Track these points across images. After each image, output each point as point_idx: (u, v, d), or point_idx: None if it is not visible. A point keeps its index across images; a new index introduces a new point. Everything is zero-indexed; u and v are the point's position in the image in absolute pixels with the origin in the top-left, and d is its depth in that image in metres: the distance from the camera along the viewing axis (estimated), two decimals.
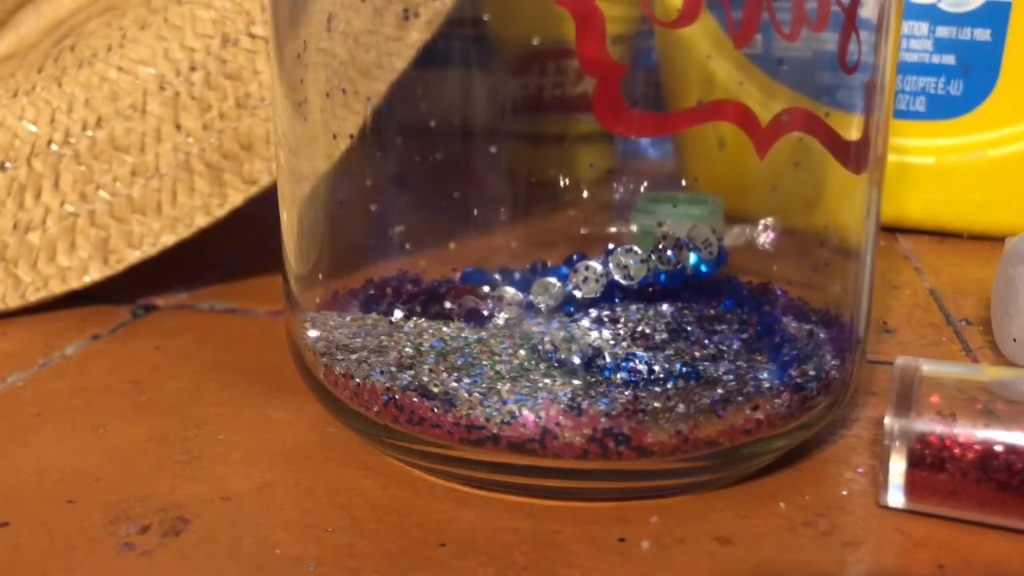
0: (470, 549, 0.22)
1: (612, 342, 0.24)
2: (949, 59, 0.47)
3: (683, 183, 0.29)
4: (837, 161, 0.25)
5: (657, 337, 0.25)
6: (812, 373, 0.24)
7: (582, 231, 0.30)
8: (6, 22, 0.46)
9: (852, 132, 0.25)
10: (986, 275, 0.36)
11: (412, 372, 0.24)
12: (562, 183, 0.28)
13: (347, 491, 0.25)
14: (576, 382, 0.23)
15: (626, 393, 0.23)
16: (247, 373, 0.32)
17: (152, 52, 0.37)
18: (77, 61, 0.38)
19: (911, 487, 0.23)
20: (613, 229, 0.30)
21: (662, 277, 0.27)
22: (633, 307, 0.27)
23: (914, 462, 0.23)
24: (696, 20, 0.22)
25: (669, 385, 0.23)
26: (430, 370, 0.24)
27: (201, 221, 0.36)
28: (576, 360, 0.23)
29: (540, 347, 0.24)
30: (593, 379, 0.23)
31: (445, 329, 0.26)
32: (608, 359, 0.24)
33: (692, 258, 0.27)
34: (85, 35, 0.40)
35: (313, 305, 0.27)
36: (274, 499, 0.24)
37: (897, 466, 0.23)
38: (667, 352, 0.24)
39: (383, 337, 0.26)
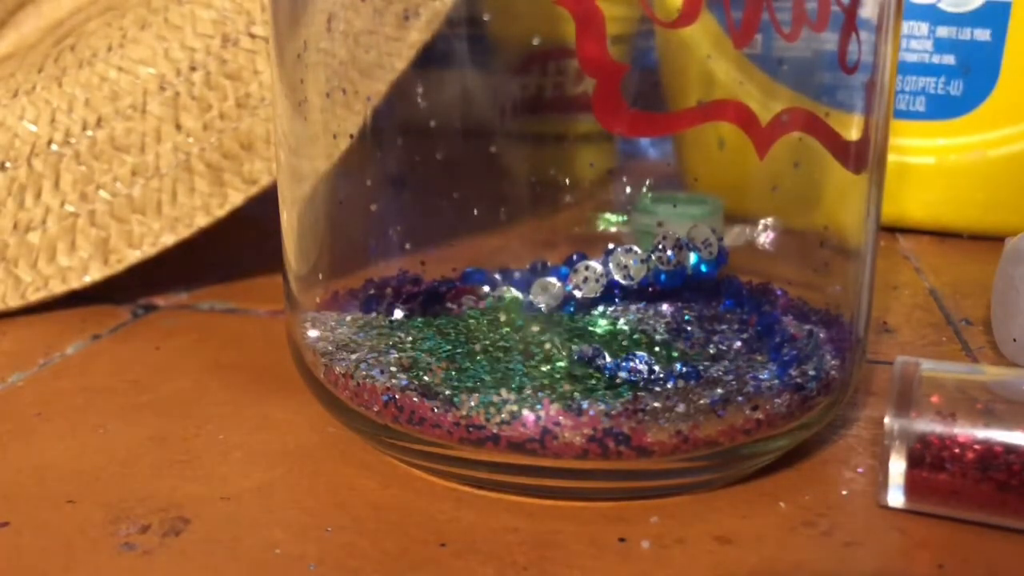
0: (470, 549, 0.22)
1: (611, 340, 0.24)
2: (949, 59, 0.47)
3: (683, 183, 0.29)
4: (837, 161, 0.25)
5: (657, 337, 0.25)
6: (812, 373, 0.24)
7: (582, 231, 0.30)
8: (6, 22, 0.46)
9: (852, 132, 0.25)
10: (986, 275, 0.36)
11: (412, 372, 0.24)
12: (562, 183, 0.28)
13: (347, 491, 0.25)
14: (577, 378, 0.23)
15: (626, 393, 0.23)
16: (247, 373, 0.32)
17: (152, 52, 0.37)
18: (77, 61, 0.38)
19: (911, 487, 0.23)
20: (613, 229, 0.30)
21: (662, 277, 0.27)
22: (633, 307, 0.27)
23: (914, 462, 0.23)
24: (696, 20, 0.22)
25: (669, 385, 0.23)
26: (430, 370, 0.24)
27: (201, 221, 0.36)
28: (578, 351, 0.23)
29: (539, 348, 0.24)
30: (594, 380, 0.23)
31: (445, 328, 0.26)
32: (608, 359, 0.24)
33: (692, 258, 0.27)
34: (85, 35, 0.40)
35: (313, 305, 0.27)
36: (274, 499, 0.24)
37: (897, 466, 0.23)
38: (667, 352, 0.24)
39: (383, 337, 0.26)
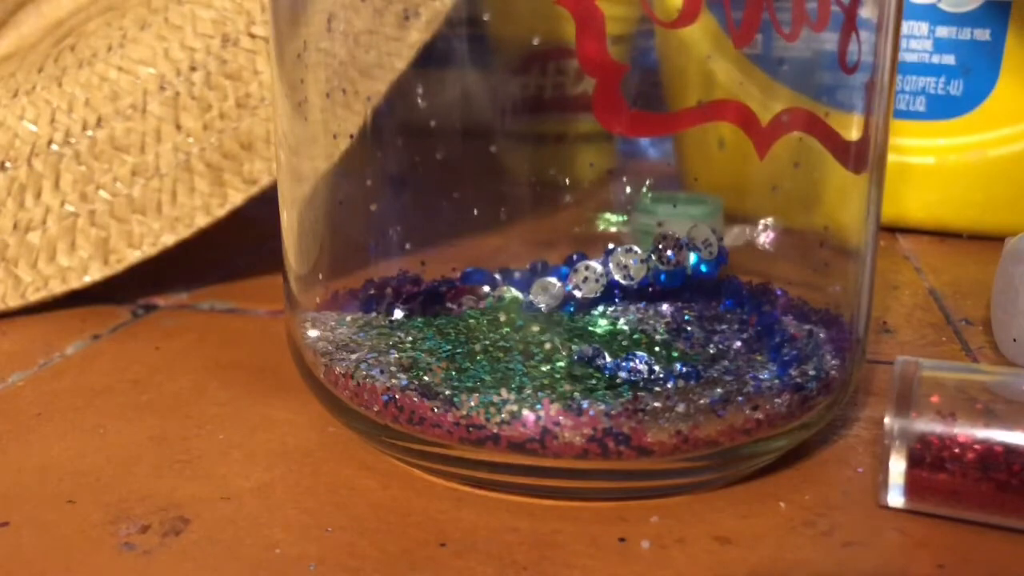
0: (470, 549, 0.22)
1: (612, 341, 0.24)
2: (949, 59, 0.47)
3: (683, 183, 0.29)
4: (837, 161, 0.25)
5: (657, 337, 0.25)
6: (812, 373, 0.24)
7: (582, 231, 0.30)
8: (6, 22, 0.46)
9: (852, 132, 0.25)
10: (986, 275, 0.36)
11: (412, 372, 0.24)
12: (562, 183, 0.28)
13: (347, 491, 0.25)
14: (577, 378, 0.23)
15: (626, 393, 0.23)
16: (247, 373, 0.32)
17: (152, 52, 0.37)
18: (77, 61, 0.38)
19: (911, 487, 0.23)
20: (613, 229, 0.30)
21: (662, 277, 0.27)
22: (633, 307, 0.27)
23: (914, 462, 0.23)
24: (696, 20, 0.22)
25: (669, 385, 0.23)
26: (430, 370, 0.24)
27: (201, 221, 0.36)
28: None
29: (539, 348, 0.24)
30: (594, 380, 0.23)
31: (445, 328, 0.26)
32: (608, 358, 0.24)
33: (692, 258, 0.27)
34: (85, 35, 0.40)
35: (313, 305, 0.27)
36: (274, 499, 0.24)
37: (897, 466, 0.23)
38: (667, 352, 0.24)
39: (383, 337, 0.26)
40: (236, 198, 0.36)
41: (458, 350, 0.25)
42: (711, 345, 0.25)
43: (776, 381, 0.24)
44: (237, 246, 0.44)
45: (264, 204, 0.35)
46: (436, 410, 0.23)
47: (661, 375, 0.23)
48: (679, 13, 0.22)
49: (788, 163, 0.25)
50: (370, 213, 0.27)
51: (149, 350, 0.34)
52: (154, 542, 0.22)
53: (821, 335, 0.26)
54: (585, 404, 0.22)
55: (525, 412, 0.22)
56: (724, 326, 0.26)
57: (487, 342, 0.25)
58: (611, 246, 0.28)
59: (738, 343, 0.25)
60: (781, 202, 0.26)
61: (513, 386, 0.23)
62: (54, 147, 0.37)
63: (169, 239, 0.36)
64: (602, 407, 0.22)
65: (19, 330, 0.36)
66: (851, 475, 0.25)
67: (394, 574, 0.21)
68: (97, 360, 0.33)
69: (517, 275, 0.29)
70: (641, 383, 0.23)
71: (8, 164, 0.38)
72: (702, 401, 0.23)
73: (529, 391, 0.23)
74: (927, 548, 0.22)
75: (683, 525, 0.23)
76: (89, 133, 0.37)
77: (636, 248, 0.26)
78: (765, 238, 0.26)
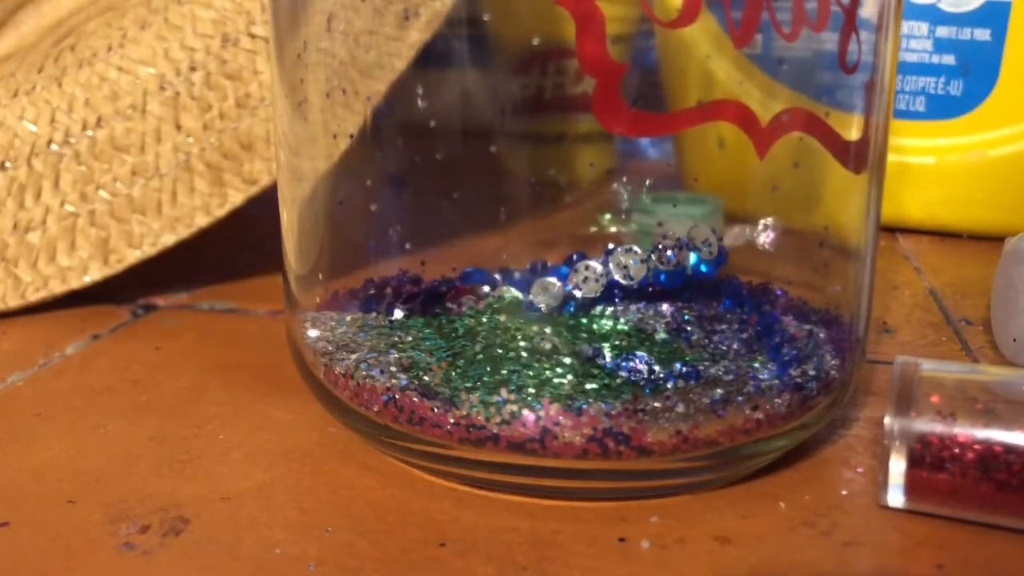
0: (470, 549, 0.22)
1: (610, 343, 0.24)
2: (949, 59, 0.47)
3: (683, 183, 0.29)
4: (837, 161, 0.25)
5: (657, 337, 0.25)
6: (812, 373, 0.24)
7: (582, 231, 0.30)
8: (6, 22, 0.46)
9: (852, 132, 0.25)
10: (986, 275, 0.36)
11: (412, 372, 0.24)
12: (562, 183, 0.28)
13: (347, 491, 0.25)
14: (578, 378, 0.23)
15: (626, 393, 0.23)
16: (247, 373, 0.32)
17: (152, 52, 0.37)
18: (77, 61, 0.38)
19: (911, 487, 0.23)
20: (613, 229, 0.30)
21: (662, 277, 0.27)
22: (633, 307, 0.27)
23: (914, 462, 0.23)
24: (696, 20, 0.22)
25: (669, 385, 0.23)
26: (430, 370, 0.24)
27: (201, 221, 0.36)
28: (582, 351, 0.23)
29: (539, 348, 0.24)
30: (594, 379, 0.23)
31: (445, 328, 0.26)
32: (608, 358, 0.24)
33: (692, 258, 0.27)
34: (85, 35, 0.40)
35: (313, 305, 0.27)
36: (274, 499, 0.24)
37: (897, 466, 0.23)
38: (667, 352, 0.24)
39: (383, 337, 0.26)
40: (236, 198, 0.36)
41: (458, 350, 0.25)
42: (711, 345, 0.25)
43: (776, 381, 0.24)
44: (237, 246, 0.44)
45: (264, 204, 0.35)
46: (436, 410, 0.23)
47: (661, 375, 0.23)
48: (679, 13, 0.22)
49: (788, 163, 0.25)
50: (370, 213, 0.27)
51: (149, 350, 0.34)
52: (154, 542, 0.22)
53: (821, 335, 0.26)
54: (585, 404, 0.22)
55: (525, 412, 0.22)
56: (724, 326, 0.26)
57: (487, 342, 0.25)
58: (611, 246, 0.28)
59: (738, 343, 0.25)
60: (781, 202, 0.26)
61: (513, 386, 0.23)
62: (54, 147, 0.37)
63: (169, 239, 0.36)
64: (602, 407, 0.22)
65: (19, 330, 0.36)
66: (851, 475, 0.25)
67: (394, 574, 0.21)
68: (97, 360, 0.33)
69: (517, 275, 0.29)
70: (641, 383, 0.23)
71: (8, 164, 0.38)
72: (702, 401, 0.23)
73: (529, 391, 0.23)
74: (927, 548, 0.22)
75: (683, 525, 0.23)
76: (89, 133, 0.37)
77: (636, 248, 0.26)
78: (765, 238, 0.26)
